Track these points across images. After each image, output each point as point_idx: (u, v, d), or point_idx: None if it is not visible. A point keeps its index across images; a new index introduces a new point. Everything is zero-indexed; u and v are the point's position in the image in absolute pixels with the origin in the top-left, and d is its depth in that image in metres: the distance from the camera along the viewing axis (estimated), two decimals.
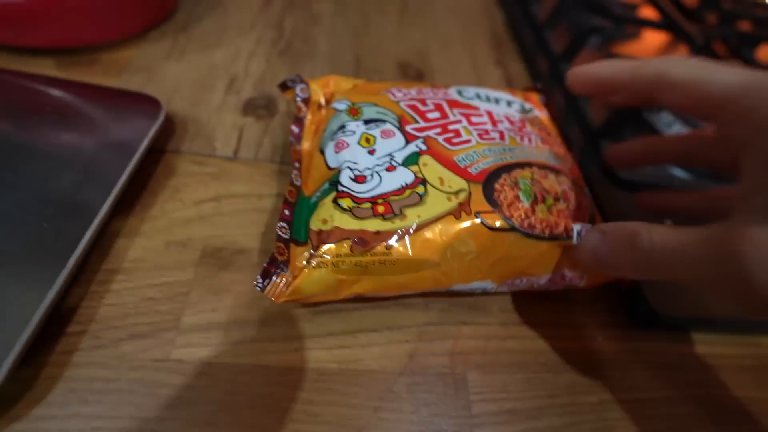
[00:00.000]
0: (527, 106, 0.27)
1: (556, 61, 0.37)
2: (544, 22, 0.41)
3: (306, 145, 0.24)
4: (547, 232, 0.20)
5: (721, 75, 0.17)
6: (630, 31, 0.45)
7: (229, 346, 0.19)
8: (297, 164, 0.22)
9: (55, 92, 0.24)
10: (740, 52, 0.45)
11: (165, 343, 0.18)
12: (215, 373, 0.18)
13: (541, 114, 0.27)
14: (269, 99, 0.29)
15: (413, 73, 0.35)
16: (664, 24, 0.40)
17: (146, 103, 0.25)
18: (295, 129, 0.24)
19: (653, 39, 0.45)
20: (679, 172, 0.32)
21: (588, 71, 0.22)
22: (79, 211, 0.20)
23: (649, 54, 0.44)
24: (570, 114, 0.33)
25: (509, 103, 0.27)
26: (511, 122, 0.25)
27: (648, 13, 0.46)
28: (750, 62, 0.44)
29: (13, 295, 0.17)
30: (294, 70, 0.32)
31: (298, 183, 0.22)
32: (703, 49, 0.43)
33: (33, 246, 0.18)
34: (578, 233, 0.20)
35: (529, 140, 0.24)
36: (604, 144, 0.30)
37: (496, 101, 0.26)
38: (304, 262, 0.18)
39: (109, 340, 0.18)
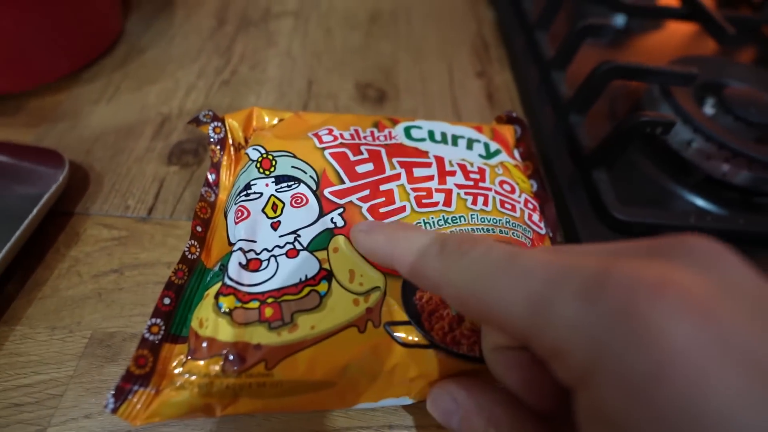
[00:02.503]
0: (492, 146, 0.22)
1: (546, 68, 0.31)
2: (537, 20, 0.35)
3: (223, 195, 0.20)
4: (477, 349, 0.16)
5: (509, 288, 0.10)
6: (648, 22, 0.38)
7: None
8: (198, 228, 0.19)
9: None
10: None
11: None
12: None
13: (510, 158, 0.22)
14: (200, 142, 0.26)
15: (374, 95, 0.30)
16: (686, 12, 0.33)
17: (49, 160, 0.22)
18: (211, 176, 0.20)
19: (676, 31, 0.37)
20: (700, 202, 0.26)
21: (358, 243, 0.16)
22: None
23: (673, 47, 0.37)
24: (558, 137, 0.28)
25: (470, 144, 0.22)
26: (467, 174, 0.20)
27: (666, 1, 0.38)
28: None
29: None
30: (235, 104, 0.29)
31: (193, 256, 0.18)
32: (737, 41, 0.35)
33: None
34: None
35: (485, 201, 0.19)
36: (598, 175, 0.25)
37: (454, 141, 0.22)
38: (178, 371, 0.15)
39: None
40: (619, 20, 0.38)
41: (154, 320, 0.16)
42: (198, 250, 0.18)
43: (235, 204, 0.18)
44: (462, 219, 0.18)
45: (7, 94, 0.27)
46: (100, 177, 0.24)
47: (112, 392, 0.14)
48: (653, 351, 0.08)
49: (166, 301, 0.17)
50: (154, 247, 0.22)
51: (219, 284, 0.16)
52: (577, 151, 0.26)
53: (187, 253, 0.18)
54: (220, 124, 0.21)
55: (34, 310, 0.19)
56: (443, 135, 0.22)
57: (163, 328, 0.16)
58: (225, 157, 0.21)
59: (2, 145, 0.23)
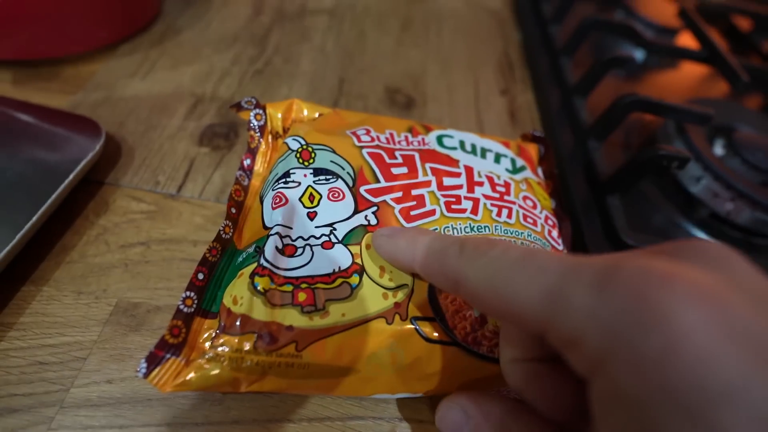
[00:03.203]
0: (519, 163, 0.23)
1: (569, 93, 0.33)
2: (562, 47, 0.36)
3: (257, 182, 0.21)
4: (497, 351, 0.16)
5: (526, 283, 0.11)
6: (664, 59, 0.40)
7: (114, 431, 0.16)
8: (233, 210, 0.19)
9: None
10: None
11: (42, 421, 0.16)
12: None
13: (533, 175, 0.23)
14: (231, 126, 0.27)
15: (402, 101, 0.31)
16: (704, 55, 0.35)
17: (86, 128, 0.23)
18: (246, 161, 0.21)
19: (691, 71, 0.39)
20: (703, 236, 0.27)
21: (380, 248, 0.17)
22: None
23: (686, 87, 0.39)
24: (576, 161, 0.29)
25: (498, 158, 0.23)
26: (494, 186, 0.21)
27: (687, 40, 0.40)
28: None
29: None
30: (267, 94, 0.29)
31: (227, 236, 0.19)
32: (748, 87, 0.37)
33: None
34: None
35: (509, 214, 0.20)
36: (612, 201, 0.26)
37: (483, 154, 0.23)
38: (207, 344, 0.15)
39: None
40: (639, 55, 0.40)
41: (188, 293, 0.16)
42: (231, 230, 0.19)
43: (273, 190, 0.19)
44: (486, 229, 0.19)
45: (45, 58, 0.27)
46: (131, 150, 0.24)
47: (145, 358, 0.15)
48: (663, 332, 0.09)
49: (200, 276, 0.17)
50: (181, 224, 0.22)
51: (254, 265, 0.17)
52: (593, 175, 0.27)
53: (221, 232, 0.18)
54: (261, 111, 0.22)
55: (61, 273, 0.20)
56: (473, 146, 0.23)
57: (196, 301, 0.16)
58: (263, 144, 0.21)
59: (43, 109, 0.23)
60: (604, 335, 0.10)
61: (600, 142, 0.29)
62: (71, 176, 0.20)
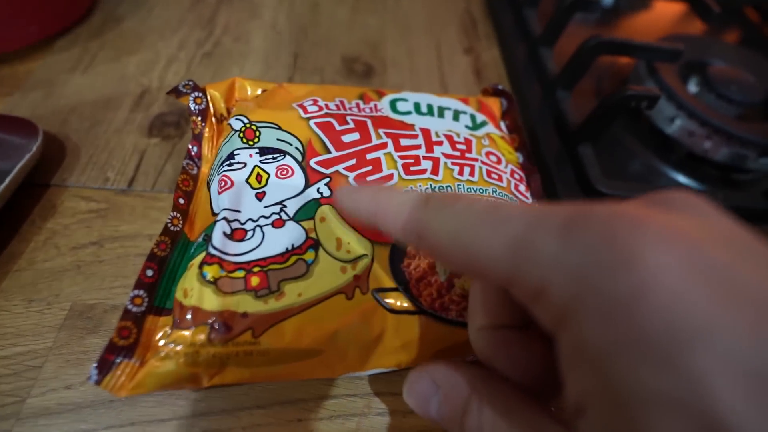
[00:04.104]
0: (479, 118, 0.22)
1: (534, 45, 0.31)
2: None
3: (206, 168, 0.20)
4: (466, 315, 0.16)
5: (491, 234, 0.10)
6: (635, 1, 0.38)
7: None
8: (181, 200, 0.19)
9: None
10: None
11: None
12: None
13: (496, 129, 0.22)
14: (181, 114, 0.25)
15: (361, 70, 0.30)
16: None
17: (21, 129, 0.21)
18: (193, 148, 0.20)
19: (665, 11, 0.38)
20: (682, 178, 0.27)
21: (342, 203, 0.15)
22: None
23: (660, 27, 0.37)
24: (545, 113, 0.28)
25: (456, 116, 0.22)
26: (453, 144, 0.20)
27: None
28: None
29: None
30: (218, 76, 0.28)
31: (176, 228, 0.18)
32: (722, 21, 0.36)
33: None
34: None
35: (472, 171, 0.19)
36: (584, 150, 0.25)
37: (440, 113, 0.22)
38: (162, 342, 0.15)
39: None
40: None
41: (136, 292, 0.16)
42: (181, 222, 0.18)
43: (218, 174, 0.18)
44: (449, 188, 0.18)
45: None
46: (77, 148, 0.23)
47: (95, 364, 0.14)
48: (633, 274, 0.08)
49: (149, 272, 0.16)
50: (134, 220, 0.21)
51: (203, 254, 0.16)
52: (563, 126, 0.26)
53: (169, 225, 0.17)
54: (201, 94, 0.20)
55: (9, 283, 0.19)
56: (429, 107, 0.22)
57: (147, 299, 0.16)
58: (207, 129, 0.20)
59: None
60: (570, 282, 0.09)
61: (568, 92, 0.28)
62: (7, 180, 0.19)
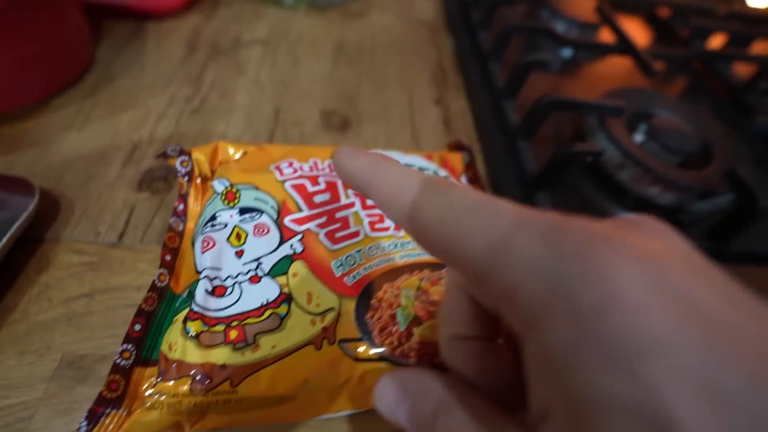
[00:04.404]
0: (441, 174, 0.24)
1: (498, 96, 0.34)
2: (490, 52, 0.38)
3: (191, 224, 0.22)
4: (425, 360, 0.17)
5: (477, 227, 0.11)
6: (590, 54, 0.42)
7: None
8: (167, 257, 0.20)
9: None
10: (714, 66, 0.41)
11: None
12: None
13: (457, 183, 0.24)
14: (169, 169, 0.27)
15: (338, 122, 0.32)
16: (620, 48, 0.37)
17: (18, 188, 0.23)
18: (179, 206, 0.22)
19: (617, 63, 0.41)
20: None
21: (340, 164, 0.15)
22: None
23: (613, 77, 0.41)
24: (506, 162, 0.31)
25: (433, 173, 0.24)
26: None
27: (607, 35, 0.42)
28: (727, 78, 0.40)
29: None
30: (204, 131, 0.30)
31: (162, 284, 0.19)
32: (667, 74, 0.39)
33: None
34: None
35: None
36: (541, 197, 0.27)
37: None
38: (148, 393, 0.16)
39: None
40: (567, 52, 0.42)
41: (125, 346, 0.17)
42: (167, 277, 0.20)
43: (202, 234, 0.20)
44: (410, 244, 0.20)
45: None
46: (70, 204, 0.25)
47: (85, 416, 0.15)
48: (601, 286, 0.09)
49: (137, 327, 0.18)
50: (124, 272, 0.23)
51: (187, 310, 0.18)
52: (522, 175, 0.29)
53: (156, 281, 0.19)
54: (186, 158, 0.22)
55: (3, 336, 0.20)
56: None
57: (134, 352, 0.17)
58: (192, 189, 0.22)
59: None
60: (543, 288, 0.10)
61: (528, 142, 0.31)
62: (5, 239, 0.21)
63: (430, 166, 0.24)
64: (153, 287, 0.19)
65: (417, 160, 0.24)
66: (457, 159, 0.26)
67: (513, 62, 0.35)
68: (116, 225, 0.24)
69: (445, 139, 0.33)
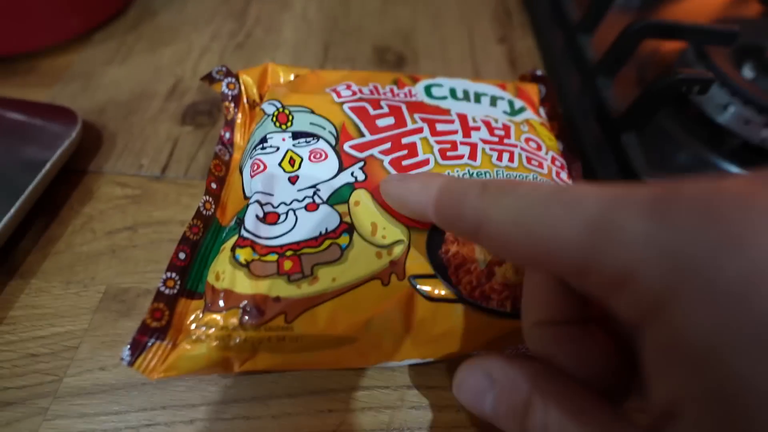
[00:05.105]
0: (517, 104, 0.21)
1: (572, 33, 0.30)
2: None
3: (238, 155, 0.20)
4: (508, 305, 0.15)
5: (563, 216, 0.09)
6: None
7: (110, 418, 0.16)
8: (213, 185, 0.18)
9: None
10: None
11: (37, 412, 0.15)
12: None
13: (535, 115, 0.21)
14: (214, 103, 0.25)
15: (393, 59, 0.29)
16: None
17: (61, 117, 0.22)
18: (225, 134, 0.20)
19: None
20: (735, 169, 0.25)
21: (389, 193, 0.15)
22: None
23: (710, 12, 0.35)
24: (584, 101, 0.27)
25: (494, 101, 0.21)
26: (491, 130, 0.19)
27: None
28: None
29: None
30: (249, 66, 0.28)
31: (208, 212, 0.18)
32: None
33: None
34: None
35: (510, 157, 0.18)
36: (628, 140, 0.24)
37: (477, 98, 0.21)
38: (194, 326, 0.14)
39: None
40: None
41: (169, 274, 0.15)
42: (213, 206, 0.18)
43: (251, 158, 0.18)
44: (487, 174, 0.17)
45: (19, 54, 0.26)
46: (113, 136, 0.24)
47: (128, 345, 0.14)
48: (744, 257, 0.07)
49: (182, 255, 0.16)
50: (167, 206, 0.21)
51: (236, 237, 0.16)
52: (604, 114, 0.25)
53: (201, 208, 0.17)
54: (233, 80, 0.20)
55: (48, 265, 0.19)
56: (465, 92, 0.21)
57: (179, 282, 0.15)
58: (239, 115, 0.20)
59: (15, 102, 0.22)
60: (664, 268, 0.08)
61: (610, 79, 0.27)
62: (48, 166, 0.20)
63: (505, 95, 0.21)
64: (198, 215, 0.17)
65: (489, 89, 0.21)
66: (533, 90, 0.22)
67: None
68: (159, 158, 0.23)
69: (511, 79, 0.29)
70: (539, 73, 0.23)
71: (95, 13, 0.28)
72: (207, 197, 0.18)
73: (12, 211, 0.18)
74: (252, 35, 0.30)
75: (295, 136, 0.18)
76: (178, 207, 0.21)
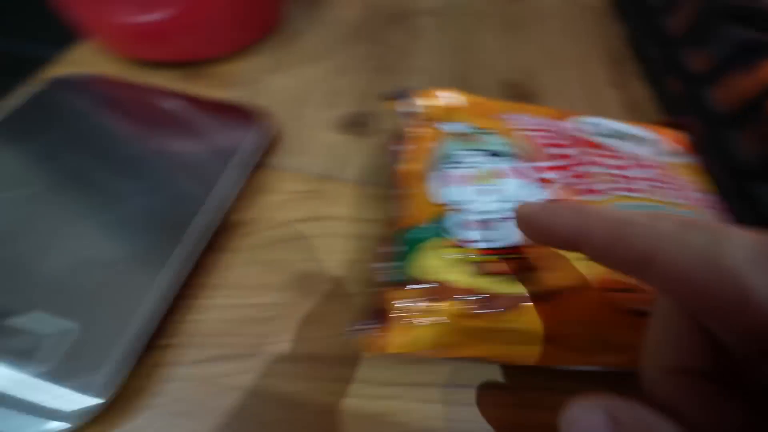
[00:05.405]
0: (675, 148, 0.23)
1: (694, 83, 0.32)
2: (677, 37, 0.35)
3: (407, 167, 0.22)
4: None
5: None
6: None
7: (323, 383, 0.18)
8: (399, 190, 0.21)
9: (175, 105, 0.26)
10: None
11: (250, 369, 0.18)
12: (302, 408, 0.17)
13: (690, 160, 0.23)
14: (366, 116, 0.28)
15: (518, 94, 0.32)
16: None
17: (258, 117, 0.26)
18: (396, 148, 0.22)
19: None
20: None
21: (534, 216, 0.15)
22: (180, 223, 0.20)
23: None
24: (712, 150, 0.28)
25: (652, 143, 0.23)
26: (657, 168, 0.21)
27: None
28: None
29: (123, 299, 0.18)
30: (394, 86, 0.31)
31: (397, 214, 0.20)
32: None
33: (142, 255, 0.19)
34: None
35: (676, 195, 0.20)
36: (759, 189, 0.25)
37: (636, 139, 0.22)
38: (407, 312, 0.16)
39: (196, 359, 0.18)
40: None
41: (377, 265, 0.18)
42: (400, 209, 0.20)
43: (442, 170, 0.20)
44: (674, 211, 0.19)
45: (204, 60, 0.30)
46: (279, 138, 0.27)
47: (351, 324, 0.16)
48: None
49: (383, 250, 0.18)
50: (341, 204, 0.24)
51: (439, 239, 0.17)
52: (735, 164, 0.26)
53: (393, 209, 0.19)
54: (411, 99, 0.23)
55: (241, 243, 0.22)
56: (618, 132, 0.23)
57: (385, 273, 0.17)
58: (415, 131, 0.22)
59: (217, 103, 0.26)
60: None
61: (740, 131, 0.28)
62: (252, 162, 0.23)
63: (650, 136, 0.23)
64: (392, 215, 0.19)
65: (636, 130, 0.23)
66: (682, 135, 0.24)
67: (702, 49, 0.32)
68: (326, 161, 0.26)
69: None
70: (685, 119, 0.25)
71: (257, 30, 0.33)
72: (396, 201, 0.20)
73: (218, 202, 0.21)
74: (390, 60, 0.33)
75: (486, 154, 0.20)
76: (351, 207, 0.24)
